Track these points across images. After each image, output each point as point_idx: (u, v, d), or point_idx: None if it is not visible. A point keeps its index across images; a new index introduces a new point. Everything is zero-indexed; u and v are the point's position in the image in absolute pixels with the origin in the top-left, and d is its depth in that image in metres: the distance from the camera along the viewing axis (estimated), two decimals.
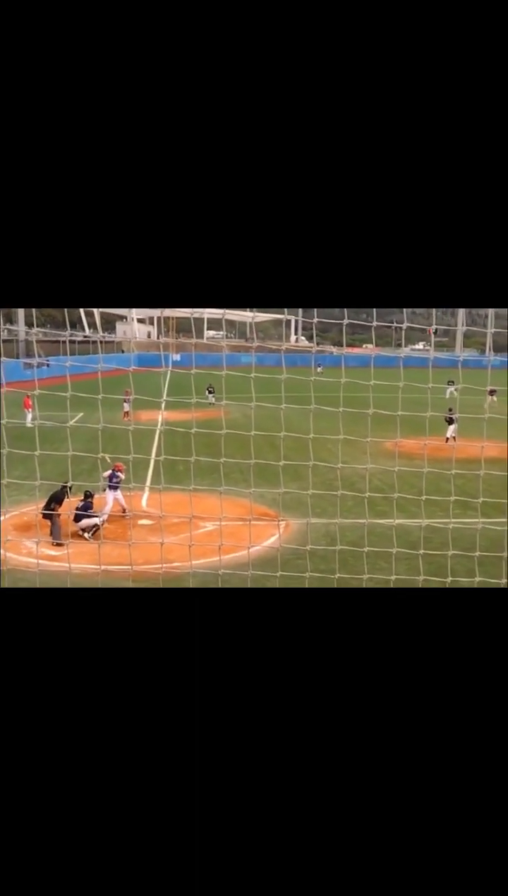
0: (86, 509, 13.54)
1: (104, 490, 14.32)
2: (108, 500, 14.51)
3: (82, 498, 13.77)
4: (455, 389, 28.99)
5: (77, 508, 13.45)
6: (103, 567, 4.05)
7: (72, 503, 14.06)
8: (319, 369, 22.44)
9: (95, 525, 13.67)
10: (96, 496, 14.28)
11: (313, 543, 10.68)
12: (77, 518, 13.54)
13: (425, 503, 4.71)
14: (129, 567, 4.19)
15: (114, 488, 14.45)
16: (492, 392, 31.30)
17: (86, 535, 13.42)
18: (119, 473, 14.39)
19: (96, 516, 13.63)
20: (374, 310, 3.56)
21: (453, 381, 28.89)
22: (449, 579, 4.03)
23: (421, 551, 4.00)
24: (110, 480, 14.33)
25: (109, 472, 14.44)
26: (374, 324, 3.77)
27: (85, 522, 13.55)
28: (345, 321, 3.75)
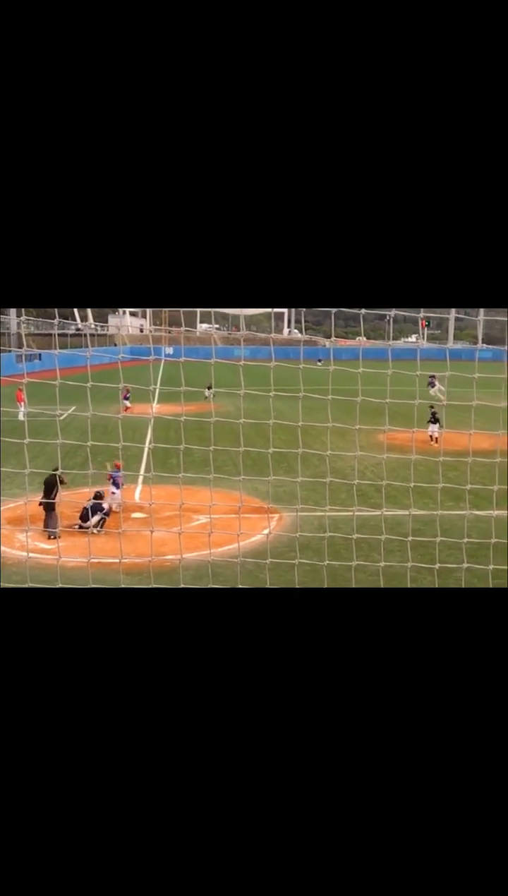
0: (95, 508, 13.56)
1: (112, 491, 14.58)
2: (114, 495, 14.73)
3: (92, 497, 13.80)
4: (435, 385, 28.57)
5: (86, 507, 13.49)
6: (93, 559, 4.05)
7: (72, 495, 14.11)
8: (320, 363, 22.64)
9: (102, 518, 13.74)
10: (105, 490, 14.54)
11: (306, 534, 10.73)
12: (84, 517, 13.56)
13: (419, 494, 4.73)
14: (119, 559, 4.20)
15: (117, 485, 14.65)
16: (432, 378, 29.61)
17: (94, 529, 13.47)
18: (118, 472, 14.65)
19: (102, 509, 13.71)
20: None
21: (434, 376, 28.39)
22: (437, 566, 4.06)
23: (409, 538, 4.02)
24: (114, 479, 14.59)
25: (113, 472, 14.65)
26: (363, 311, 3.77)
27: (92, 520, 13.56)
28: (334, 310, 3.75)
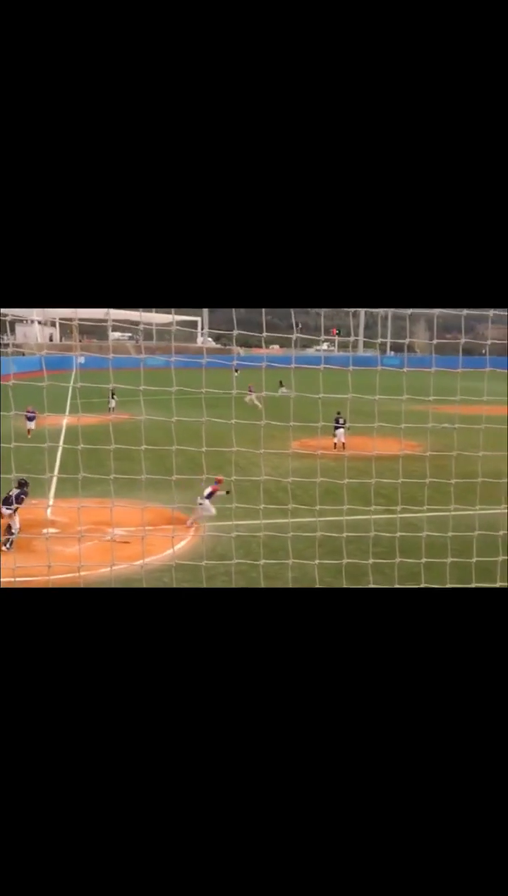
0: (19, 497, 13.23)
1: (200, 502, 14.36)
2: (209, 509, 14.52)
3: (16, 486, 13.43)
4: (252, 393, 29.33)
5: (10, 494, 13.13)
6: None
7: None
8: (236, 373, 22.63)
9: (10, 538, 13.32)
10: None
11: (222, 549, 10.68)
12: (7, 501, 13.23)
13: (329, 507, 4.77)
14: (12, 579, 4.09)
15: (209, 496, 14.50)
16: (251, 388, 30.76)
17: (4, 547, 13.12)
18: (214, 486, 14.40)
19: (12, 532, 13.32)
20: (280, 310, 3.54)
21: (282, 383, 29.02)
22: (345, 585, 4.10)
23: (316, 561, 4.05)
24: (209, 494, 14.43)
25: (212, 486, 14.39)
26: (265, 335, 3.78)
27: (14, 506, 13.24)
28: (236, 332, 3.74)
